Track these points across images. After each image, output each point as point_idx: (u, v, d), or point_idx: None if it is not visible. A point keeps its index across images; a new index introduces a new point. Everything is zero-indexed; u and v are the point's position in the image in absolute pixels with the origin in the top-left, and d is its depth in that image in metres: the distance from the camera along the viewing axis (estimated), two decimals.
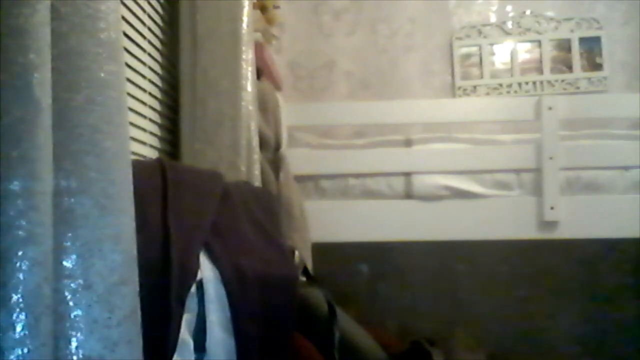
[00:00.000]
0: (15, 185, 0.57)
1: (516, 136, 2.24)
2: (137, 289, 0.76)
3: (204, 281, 1.07)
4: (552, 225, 2.11)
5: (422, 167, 2.16)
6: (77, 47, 0.71)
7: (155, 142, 1.52)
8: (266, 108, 1.92)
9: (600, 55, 2.91)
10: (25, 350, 0.56)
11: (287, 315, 1.21)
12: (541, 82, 2.94)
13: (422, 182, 2.14)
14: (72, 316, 0.66)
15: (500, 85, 2.96)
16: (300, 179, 2.15)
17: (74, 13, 0.71)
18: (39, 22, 0.61)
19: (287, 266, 1.32)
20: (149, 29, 1.51)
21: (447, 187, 2.13)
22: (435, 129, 2.45)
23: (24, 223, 0.57)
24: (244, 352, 1.08)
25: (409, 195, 2.15)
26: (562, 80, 2.93)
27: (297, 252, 1.48)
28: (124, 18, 1.31)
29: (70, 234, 0.67)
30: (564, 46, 2.94)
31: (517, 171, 2.14)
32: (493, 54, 2.99)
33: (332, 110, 2.40)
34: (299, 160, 2.14)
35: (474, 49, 2.99)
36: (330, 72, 3.01)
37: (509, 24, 2.99)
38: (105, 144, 0.73)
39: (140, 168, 0.92)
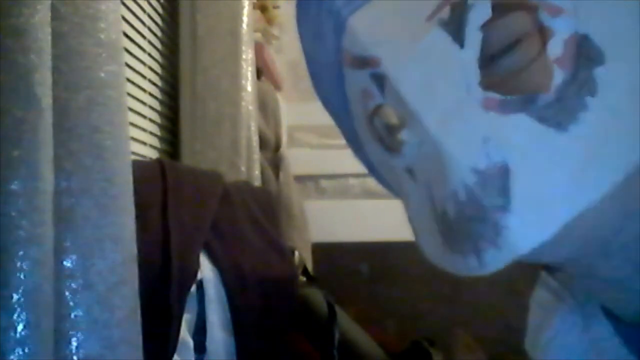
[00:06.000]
0: (16, 185, 0.57)
1: None
2: (137, 289, 0.77)
3: (204, 281, 1.07)
4: None
5: None
6: (77, 47, 0.71)
7: (155, 142, 1.52)
8: (266, 108, 1.92)
9: None
10: (26, 350, 0.56)
11: (287, 315, 1.21)
12: None
13: None
14: (72, 316, 0.66)
15: None
16: (300, 179, 2.14)
17: (74, 13, 0.71)
18: (39, 22, 0.61)
19: (287, 266, 1.32)
20: (149, 29, 1.51)
21: None
22: None
23: (25, 223, 0.57)
24: (244, 352, 1.09)
25: None
26: None
27: (297, 252, 1.48)
28: (124, 18, 1.31)
29: (70, 234, 0.68)
30: None
31: None
32: None
33: None
34: (299, 160, 2.14)
35: None
36: None
37: None
38: (105, 144, 0.73)
39: (140, 168, 0.92)
